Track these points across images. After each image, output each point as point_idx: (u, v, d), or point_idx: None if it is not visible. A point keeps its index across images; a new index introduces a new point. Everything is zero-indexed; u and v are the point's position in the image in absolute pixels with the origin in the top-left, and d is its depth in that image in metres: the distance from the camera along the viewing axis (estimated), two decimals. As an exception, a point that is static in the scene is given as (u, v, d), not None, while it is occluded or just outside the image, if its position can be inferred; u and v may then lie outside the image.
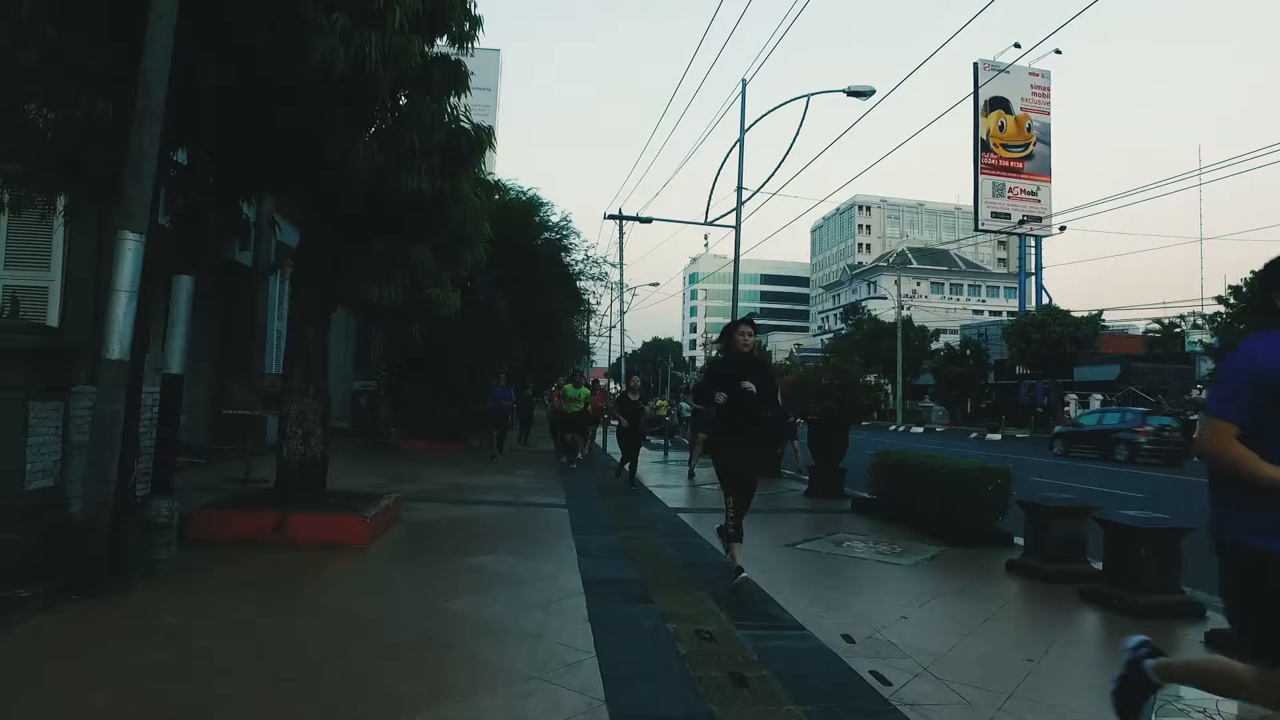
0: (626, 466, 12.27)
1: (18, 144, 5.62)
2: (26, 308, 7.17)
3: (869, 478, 9.36)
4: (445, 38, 7.09)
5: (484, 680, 3.68)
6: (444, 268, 7.75)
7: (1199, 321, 36.19)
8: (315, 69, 5.50)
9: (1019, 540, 7.17)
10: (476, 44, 7.42)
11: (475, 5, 7.27)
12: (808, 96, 19.21)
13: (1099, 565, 5.85)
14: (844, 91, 18.96)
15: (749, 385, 5.42)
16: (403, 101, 7.20)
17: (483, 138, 7.15)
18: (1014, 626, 5.06)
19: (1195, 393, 36.04)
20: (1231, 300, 26.98)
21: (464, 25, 7.10)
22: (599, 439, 20.90)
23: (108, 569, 4.74)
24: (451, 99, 7.37)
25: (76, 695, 3.25)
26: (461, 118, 7.15)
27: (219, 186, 6.61)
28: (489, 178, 17.73)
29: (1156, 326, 45.11)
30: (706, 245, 67.16)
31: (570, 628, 4.44)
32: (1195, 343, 38.40)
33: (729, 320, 6.58)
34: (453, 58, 7.37)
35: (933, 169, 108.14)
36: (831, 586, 5.98)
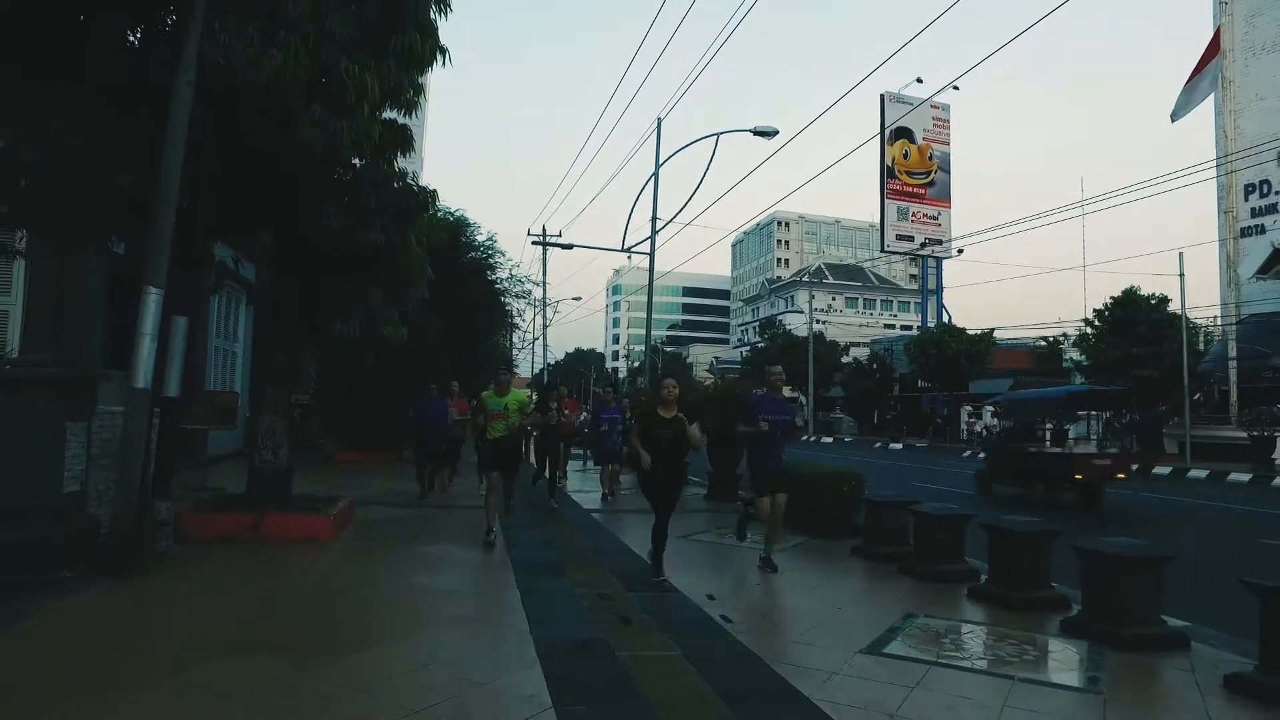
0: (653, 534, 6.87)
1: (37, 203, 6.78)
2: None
3: (756, 482, 11.04)
4: (393, 105, 8.43)
5: (445, 622, 5.11)
6: (392, 305, 9.08)
7: (1077, 340, 39.79)
8: (297, 149, 6.84)
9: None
10: (419, 111, 8.82)
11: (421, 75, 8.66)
12: (717, 135, 21.06)
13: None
14: (750, 131, 20.92)
15: None
16: (357, 164, 8.50)
17: (427, 198, 8.56)
18: (837, 590, 6.72)
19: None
20: (1096, 322, 30.19)
21: (410, 94, 8.46)
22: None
23: (130, 557, 5.96)
24: (398, 159, 8.74)
25: (148, 636, 4.56)
26: (410, 181, 8.51)
27: (205, 237, 7.82)
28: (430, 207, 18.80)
29: (1043, 344, 49.15)
30: (630, 258, 68.95)
31: (504, 592, 5.90)
32: (1068, 360, 42.14)
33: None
34: (398, 122, 8.73)
35: (850, 187, 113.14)
36: (709, 566, 7.56)
